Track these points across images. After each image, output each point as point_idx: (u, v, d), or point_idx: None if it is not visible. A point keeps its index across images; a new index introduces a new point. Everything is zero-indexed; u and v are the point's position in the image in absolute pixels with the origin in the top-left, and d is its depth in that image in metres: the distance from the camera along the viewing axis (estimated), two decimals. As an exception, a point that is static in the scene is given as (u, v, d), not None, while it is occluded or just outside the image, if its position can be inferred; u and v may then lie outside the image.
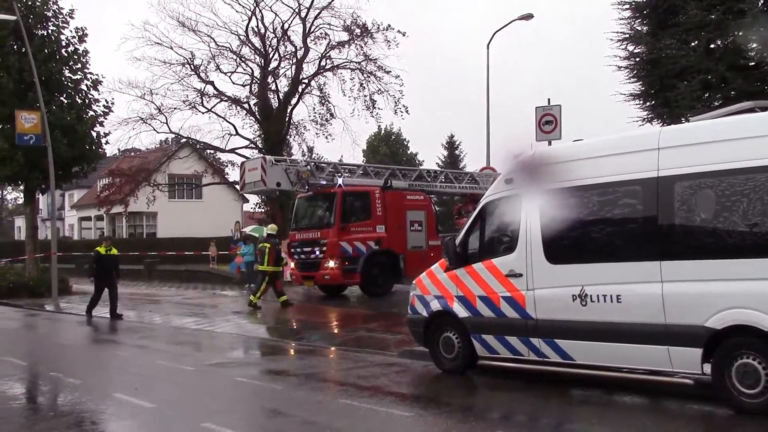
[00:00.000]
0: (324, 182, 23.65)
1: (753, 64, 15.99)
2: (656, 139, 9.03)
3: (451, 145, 69.72)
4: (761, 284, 7.86)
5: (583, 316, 9.36)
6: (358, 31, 36.88)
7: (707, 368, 8.39)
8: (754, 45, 16.19)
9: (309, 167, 24.21)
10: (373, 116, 38.48)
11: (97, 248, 21.00)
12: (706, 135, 8.59)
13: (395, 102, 37.62)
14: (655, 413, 8.70)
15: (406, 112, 38.11)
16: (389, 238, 23.09)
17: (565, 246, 9.77)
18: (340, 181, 23.28)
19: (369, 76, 37.61)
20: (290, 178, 23.48)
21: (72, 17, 29.72)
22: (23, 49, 26.86)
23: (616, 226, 9.39)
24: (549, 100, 19.01)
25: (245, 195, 46.55)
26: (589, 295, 9.30)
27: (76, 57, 29.58)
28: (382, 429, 7.84)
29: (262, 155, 27.49)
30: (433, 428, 8.16)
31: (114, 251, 21.02)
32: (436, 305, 11.25)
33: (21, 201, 37.17)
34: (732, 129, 8.40)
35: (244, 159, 32.75)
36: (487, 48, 29.11)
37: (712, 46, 15.98)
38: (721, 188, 8.29)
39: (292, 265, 25.02)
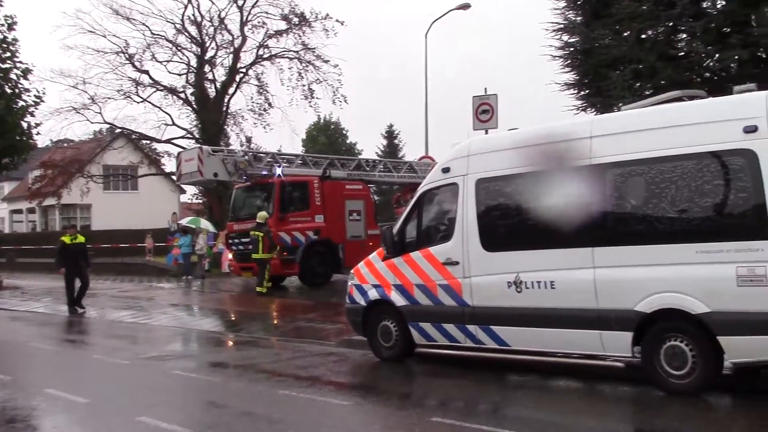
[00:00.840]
0: (263, 172, 23.47)
1: (682, 54, 16.40)
2: (589, 127, 9.21)
3: (391, 135, 69.91)
4: (689, 269, 8.09)
5: (518, 302, 9.51)
6: (296, 20, 36.70)
7: (638, 351, 8.62)
8: (684, 36, 16.65)
9: (247, 157, 24.01)
10: (311, 106, 38.40)
11: (62, 238, 20.01)
12: (636, 123, 8.80)
13: (334, 91, 37.57)
14: (588, 396, 8.91)
15: (345, 101, 38.12)
16: (328, 228, 23.06)
17: (501, 234, 9.90)
18: (278, 171, 23.12)
19: (307, 66, 37.49)
20: (228, 168, 23.25)
21: (1, 5, 28.87)
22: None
23: (549, 213, 9.52)
24: (486, 89, 19.19)
25: (182, 186, 45.93)
26: (524, 282, 9.44)
27: (5, 46, 28.67)
28: (321, 418, 7.83)
29: (199, 146, 27.12)
30: (371, 416, 8.20)
31: (80, 239, 20.10)
32: (373, 294, 11.28)
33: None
34: (661, 117, 8.62)
35: (180, 149, 32.27)
36: (425, 37, 29.25)
37: (643, 36, 16.31)
38: (651, 175, 8.50)
39: (230, 256, 24.80)
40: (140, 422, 7.81)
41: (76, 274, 19.63)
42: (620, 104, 14.06)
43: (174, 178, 32.83)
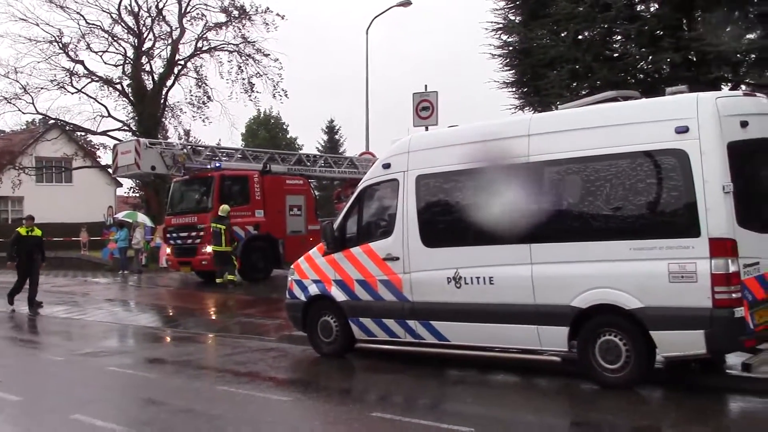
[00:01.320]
0: (205, 166, 23.19)
1: (617, 55, 16.72)
2: (527, 126, 9.36)
3: (331, 130, 69.63)
4: (623, 265, 8.29)
5: (457, 298, 9.62)
6: (236, 12, 36.26)
7: (574, 346, 8.81)
8: (618, 37, 16.99)
9: (185, 150, 23.71)
10: (251, 100, 37.99)
11: (18, 229, 19.19)
12: (572, 123, 8.97)
13: (274, 86, 37.24)
14: (526, 390, 9.06)
15: (285, 96, 37.81)
16: (268, 222, 22.92)
17: (440, 230, 10.00)
18: (217, 164, 22.89)
19: (247, 59, 37.08)
20: (166, 161, 22.92)
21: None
22: None
23: (488, 210, 9.64)
24: (426, 86, 19.34)
25: (118, 179, 45.05)
26: (463, 278, 9.56)
27: (-69, 31, 27.77)
28: (260, 414, 7.81)
29: (136, 138, 26.69)
30: (311, 412, 8.22)
31: (37, 232, 19.18)
32: (314, 290, 11.27)
33: None
34: (596, 117, 8.81)
35: (117, 141, 31.70)
36: (366, 33, 29.26)
37: (580, 37, 16.58)
38: (586, 174, 8.69)
39: (168, 250, 24.47)
40: (75, 420, 7.69)
41: (29, 268, 18.80)
42: (558, 103, 14.34)
43: (110, 170, 32.16)
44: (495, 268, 9.29)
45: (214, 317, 16.67)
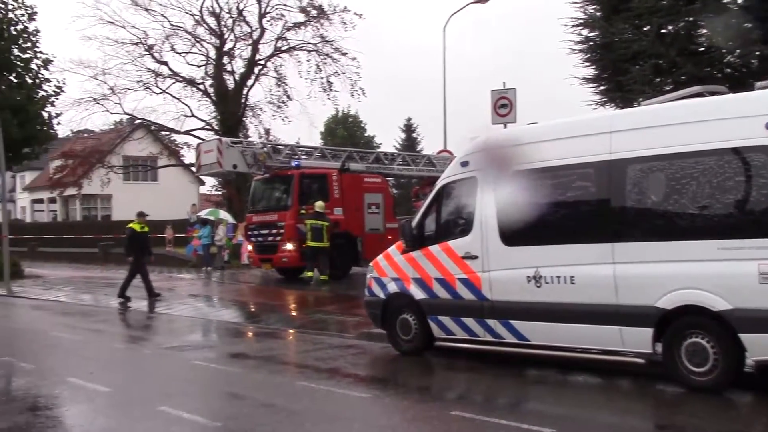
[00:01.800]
0: (284, 164, 23.53)
1: (702, 49, 16.27)
2: (609, 122, 9.19)
3: (409, 128, 69.76)
4: (710, 265, 8.07)
5: (537, 297, 9.51)
6: (314, 12, 36.69)
7: (658, 347, 8.62)
8: (704, 31, 16.51)
9: (266, 149, 24.10)
10: (329, 98, 38.40)
11: (131, 225, 19.79)
12: (656, 119, 8.76)
13: (352, 84, 37.54)
14: (608, 391, 8.90)
15: (363, 94, 38.08)
16: (347, 220, 23.11)
17: (520, 228, 9.87)
18: (297, 163, 23.20)
19: (325, 58, 37.47)
20: (247, 160, 23.33)
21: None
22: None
23: (569, 208, 9.53)
24: (504, 83, 19.12)
25: (201, 177, 46.17)
26: (543, 277, 9.45)
27: (25, 35, 28.94)
28: (340, 410, 7.89)
29: (218, 137, 27.25)
30: (390, 408, 8.24)
31: (146, 229, 19.97)
32: (393, 287, 11.32)
33: (-30, 183, 36.35)
34: (681, 113, 8.57)
35: (199, 141, 32.45)
36: (444, 30, 29.13)
37: (663, 31, 16.20)
38: (671, 171, 8.47)
39: (250, 247, 24.92)
40: (161, 412, 7.91)
41: (140, 264, 19.48)
42: (640, 99, 14.03)
43: (193, 169, 32.94)
44: (576, 267, 9.16)
45: (294, 313, 16.92)
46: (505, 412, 7.75)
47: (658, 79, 16.56)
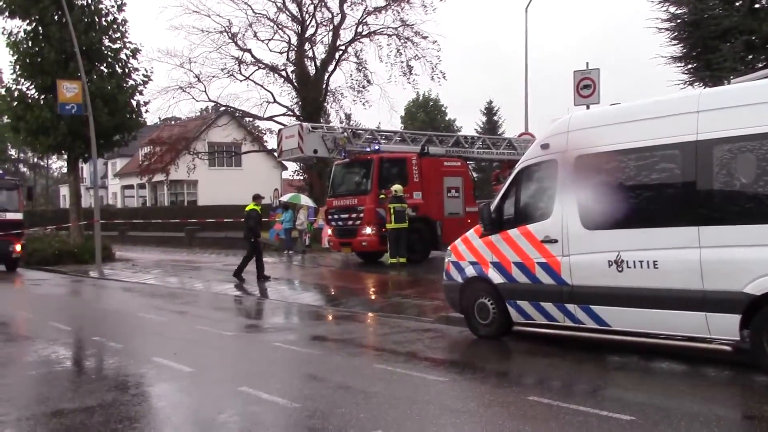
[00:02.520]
0: (364, 149, 23.64)
1: (799, 23, 15.56)
2: (696, 102, 8.85)
3: (490, 111, 69.21)
4: (802, 249, 7.72)
5: (619, 282, 9.29)
6: (394, -5, 36.61)
7: (746, 334, 8.31)
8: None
9: (345, 134, 24.25)
10: (409, 82, 38.46)
11: (254, 207, 20.49)
12: (746, 97, 8.40)
13: (432, 68, 37.45)
14: (692, 379, 8.63)
15: (443, 77, 37.96)
16: (426, 204, 23.09)
17: (601, 212, 9.63)
18: (376, 147, 23.27)
19: (406, 42, 37.44)
20: (327, 145, 23.54)
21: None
22: (64, 20, 27.16)
23: (653, 191, 9.24)
24: (587, 63, 18.79)
25: (284, 163, 46.80)
26: (625, 261, 9.22)
27: (115, 26, 29.86)
28: (417, 393, 7.88)
29: (299, 123, 27.54)
30: (467, 393, 8.19)
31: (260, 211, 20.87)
32: (471, 271, 11.25)
33: (65, 170, 37.75)
34: (772, 91, 8.20)
35: (281, 126, 32.90)
36: (526, 11, 28.79)
37: (756, 5, 15.53)
38: (762, 152, 8.12)
39: (330, 231, 25.18)
40: (241, 392, 8.06)
41: (257, 246, 20.31)
42: (731, 77, 13.51)
43: (275, 154, 33.42)
44: (659, 251, 8.90)
45: (373, 297, 17.00)
46: (584, 398, 7.61)
47: (750, 56, 15.93)
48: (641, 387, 8.14)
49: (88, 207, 42.56)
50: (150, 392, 8.61)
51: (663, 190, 9.16)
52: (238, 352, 10.92)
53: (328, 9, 38.22)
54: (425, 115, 69.83)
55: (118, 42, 30.02)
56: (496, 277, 10.85)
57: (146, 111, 32.44)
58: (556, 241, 10.04)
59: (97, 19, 29.34)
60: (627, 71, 78.42)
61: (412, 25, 37.07)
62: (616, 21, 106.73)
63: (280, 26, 38.46)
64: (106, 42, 29.87)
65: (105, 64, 29.93)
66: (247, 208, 20.59)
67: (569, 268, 9.88)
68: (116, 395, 8.22)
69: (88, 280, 23.97)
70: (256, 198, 20.97)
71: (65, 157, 32.29)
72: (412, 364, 9.55)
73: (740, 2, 15.63)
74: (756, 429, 6.72)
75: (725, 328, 8.40)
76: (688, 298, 8.61)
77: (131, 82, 30.32)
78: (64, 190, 73.63)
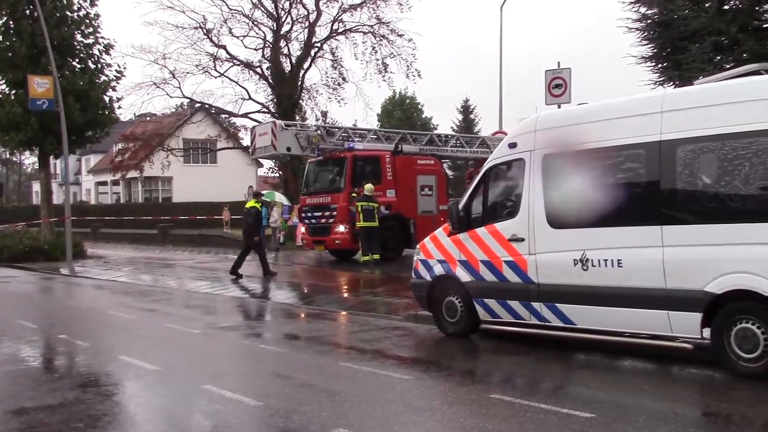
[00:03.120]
0: (338, 147, 23.62)
1: (766, 25, 15.71)
2: (660, 102, 8.94)
3: (466, 110, 69.40)
4: (761, 248, 7.83)
5: (584, 280, 9.36)
6: (370, -7, 36.57)
7: (707, 333, 8.41)
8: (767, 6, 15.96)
9: (319, 132, 24.22)
10: (385, 80, 38.35)
11: (254, 204, 20.56)
12: (709, 98, 8.49)
13: (407, 66, 37.45)
14: (654, 377, 8.72)
15: (419, 76, 38.11)
16: (399, 202, 23.11)
17: (567, 210, 9.70)
18: (350, 145, 23.25)
19: (381, 40, 37.42)
20: (300, 142, 23.49)
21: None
22: (35, 14, 26.87)
23: (618, 190, 9.30)
24: (559, 63, 18.84)
25: (259, 160, 46.66)
26: (590, 260, 9.29)
27: (87, 21, 29.56)
28: (381, 391, 7.90)
29: (272, 120, 27.45)
30: (431, 391, 8.21)
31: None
32: (439, 269, 11.28)
33: (38, 166, 37.39)
34: (735, 92, 8.30)
35: (256, 123, 32.78)
36: (501, 10, 28.82)
37: (725, 7, 15.70)
38: (724, 152, 8.21)
39: (303, 229, 25.15)
40: (206, 390, 8.03)
41: (260, 243, 20.50)
42: (699, 78, 13.64)
43: (249, 152, 33.30)
44: (624, 250, 8.98)
45: (344, 295, 17.01)
46: (546, 396, 7.65)
47: (718, 57, 16.10)
48: (603, 385, 8.22)
49: (60, 203, 42.19)
50: (114, 390, 8.54)
51: (628, 190, 9.23)
52: (205, 350, 10.87)
53: (304, 6, 38.15)
54: (402, 113, 69.83)
55: (91, 37, 29.74)
56: (463, 276, 10.89)
57: (119, 107, 32.15)
58: (523, 239, 10.09)
59: (69, 14, 29.04)
60: (600, 69, 78.91)
61: (388, 22, 37.10)
62: (590, 20, 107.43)
63: (255, 23, 38.33)
64: (78, 37, 29.58)
65: (77, 60, 29.66)
66: (247, 205, 20.71)
67: (536, 266, 9.94)
68: (79, 393, 8.16)
69: (58, 277, 23.76)
70: (257, 195, 21.22)
71: (36, 152, 31.92)
72: (378, 362, 9.57)
73: (709, 4, 15.79)
74: (713, 426, 6.80)
75: (687, 326, 8.49)
76: (651, 296, 8.70)
77: (104, 77, 30.05)
78: (36, 186, 72.95)
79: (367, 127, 33.02)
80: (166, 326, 12.96)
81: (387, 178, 23.13)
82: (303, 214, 24.72)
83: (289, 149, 23.62)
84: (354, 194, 21.96)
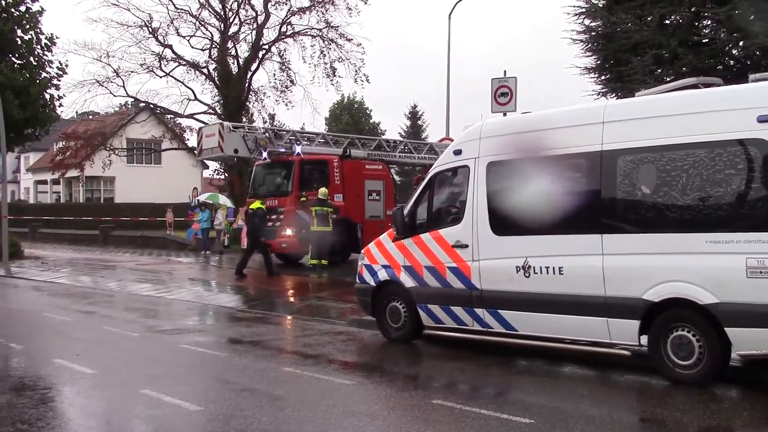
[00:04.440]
0: (282, 150, 23.47)
1: (705, 40, 16.12)
2: (601, 113, 9.11)
3: (414, 115, 69.70)
4: (698, 258, 8.02)
5: (526, 287, 9.47)
6: (320, -3, 36.45)
7: (644, 340, 8.58)
8: (707, 22, 16.36)
9: (267, 134, 24.04)
10: (333, 84, 38.21)
11: (260, 205, 20.61)
12: (648, 110, 8.68)
13: (356, 70, 37.37)
14: (593, 383, 8.86)
15: (367, 81, 37.90)
16: (347, 207, 23.05)
17: (510, 218, 9.81)
18: (298, 149, 23.13)
19: (330, 44, 37.28)
20: (248, 145, 23.28)
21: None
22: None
23: (560, 198, 9.42)
24: (505, 72, 19.06)
25: (204, 161, 46.11)
26: (532, 267, 9.40)
27: (28, 16, 28.83)
28: (322, 396, 7.86)
29: (219, 122, 27.13)
30: (372, 396, 8.20)
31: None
32: (383, 275, 11.29)
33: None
34: (673, 104, 8.51)
35: (202, 124, 32.40)
36: (449, 18, 28.98)
37: (666, 21, 16.06)
38: (662, 163, 8.39)
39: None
40: (143, 394, 7.90)
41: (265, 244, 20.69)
42: (641, 90, 13.92)
43: (195, 153, 32.90)
44: (565, 257, 9.11)
45: (288, 299, 16.91)
46: (487, 402, 7.72)
47: (659, 70, 16.42)
48: (544, 391, 8.32)
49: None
50: (48, 395, 8.35)
51: (569, 198, 9.35)
52: (144, 354, 10.69)
53: (252, 7, 37.83)
54: (350, 117, 69.82)
55: (31, 33, 29.01)
56: (407, 281, 10.91)
57: (60, 105, 31.20)
58: (466, 246, 10.16)
59: (8, 9, 28.27)
60: (544, 79, 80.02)
61: (337, 27, 36.99)
62: (536, 27, 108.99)
63: (202, 23, 37.84)
64: (19, 32, 28.81)
65: (17, 56, 28.89)
66: (252, 206, 20.78)
67: (479, 272, 10.01)
68: (12, 397, 7.95)
69: (-7, 278, 23.09)
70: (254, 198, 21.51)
71: (-27, 149, 30.99)
72: (321, 366, 9.52)
73: (651, 18, 16.12)
74: (648, 431, 6.93)
75: (625, 333, 8.64)
76: (591, 303, 8.83)
77: (45, 74, 29.34)
78: (-26, 184, 70.93)
79: (315, 130, 32.92)
80: (104, 329, 12.71)
81: (335, 182, 23.05)
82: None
83: (236, 151, 23.37)
84: (303, 198, 21.84)
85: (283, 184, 23.25)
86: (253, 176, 25.16)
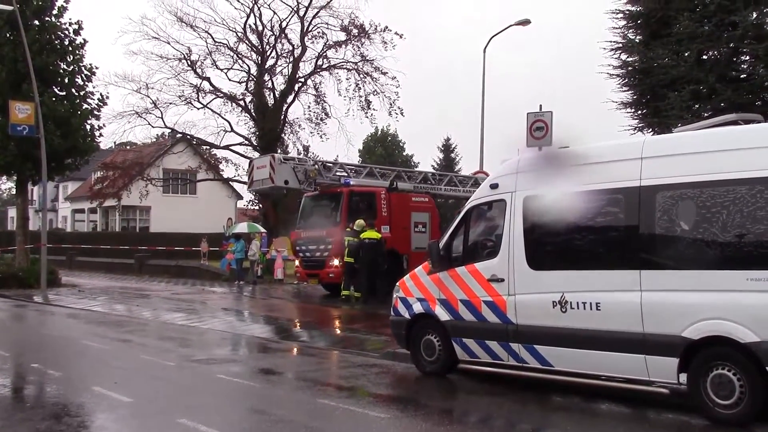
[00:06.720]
0: (334, 182, 23.71)
1: (743, 76, 16.04)
2: (640, 148, 9.07)
3: (447, 148, 69.79)
4: (738, 296, 7.91)
5: (562, 322, 9.40)
6: (355, 31, 36.83)
7: (684, 378, 8.45)
8: (745, 57, 16.30)
9: (316, 166, 24.25)
10: (367, 117, 38.43)
11: (373, 234, 20.99)
12: (688, 146, 8.64)
13: (390, 103, 37.59)
14: (631, 421, 8.72)
15: (401, 114, 38.08)
16: (393, 238, 23.17)
17: (547, 252, 9.80)
18: (348, 181, 23.38)
19: (365, 77, 37.58)
20: (298, 176, 23.50)
21: (66, 8, 29.61)
22: (18, 40, 26.82)
23: (598, 234, 9.42)
24: (541, 106, 19.04)
25: (240, 192, 46.61)
26: (569, 302, 9.33)
27: (71, 49, 29.52)
28: (357, 429, 7.86)
29: (271, 154, 27.38)
30: (407, 430, 8.16)
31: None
32: (418, 308, 11.28)
33: (15, 191, 37.05)
34: (714, 141, 8.46)
35: (238, 155, 32.80)
36: (484, 52, 29.17)
37: (703, 57, 16.03)
38: (702, 199, 8.33)
39: (297, 262, 25.13)
40: (180, 424, 7.95)
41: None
42: (678, 125, 13.86)
43: (246, 185, 33.17)
44: (602, 293, 9.03)
45: (322, 330, 16.91)
46: (524, 438, 7.64)
47: (696, 106, 16.38)
48: (581, 428, 8.24)
49: (36, 230, 41.78)
50: (86, 422, 8.43)
51: (607, 234, 9.34)
52: (180, 383, 10.76)
53: (289, 41, 38.32)
54: (383, 149, 70.19)
55: (74, 65, 29.67)
56: (442, 314, 10.89)
57: (100, 135, 31.82)
58: (502, 280, 10.13)
59: (52, 41, 28.97)
60: (583, 115, 79.88)
61: (372, 60, 37.30)
62: (573, 65, 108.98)
63: (240, 56, 38.39)
64: (62, 65, 29.51)
65: (59, 87, 29.56)
66: (371, 236, 21.01)
67: (515, 307, 9.97)
68: (51, 424, 8.05)
69: (31, 304, 23.45)
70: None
71: (14, 178, 31.67)
72: (355, 399, 9.52)
73: (688, 53, 16.10)
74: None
75: (664, 370, 8.53)
76: (628, 340, 8.74)
77: (86, 105, 29.96)
78: (13, 212, 72.16)
79: (361, 163, 33.11)
80: (141, 357, 12.82)
81: (382, 213, 23.27)
82: (297, 248, 24.75)
83: (287, 182, 23.56)
84: (348, 229, 22.01)
85: (332, 215, 23.51)
86: (302, 207, 25.44)
